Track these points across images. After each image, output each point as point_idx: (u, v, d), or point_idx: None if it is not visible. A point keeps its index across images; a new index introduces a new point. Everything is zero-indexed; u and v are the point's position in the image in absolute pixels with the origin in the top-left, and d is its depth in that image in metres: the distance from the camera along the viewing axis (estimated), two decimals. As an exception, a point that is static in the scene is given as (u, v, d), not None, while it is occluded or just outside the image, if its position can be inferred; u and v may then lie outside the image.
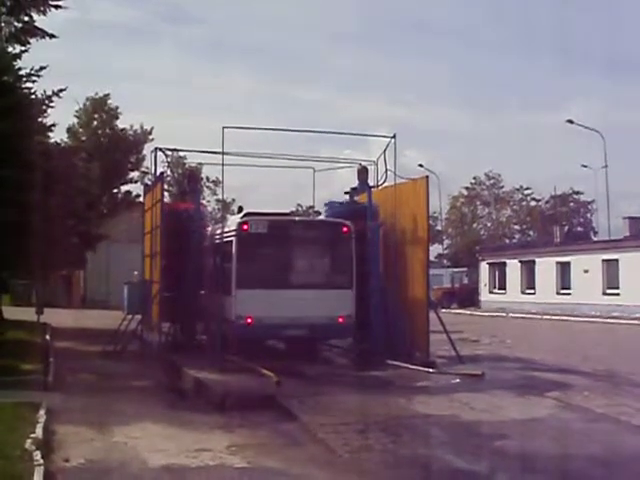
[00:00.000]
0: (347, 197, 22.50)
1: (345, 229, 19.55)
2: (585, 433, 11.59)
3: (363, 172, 21.41)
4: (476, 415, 12.71)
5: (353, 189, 22.09)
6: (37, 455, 8.59)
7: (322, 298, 18.80)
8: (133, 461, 9.36)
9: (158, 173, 22.66)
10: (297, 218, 24.33)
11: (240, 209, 23.03)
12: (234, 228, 19.30)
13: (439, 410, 13.15)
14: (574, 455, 10.03)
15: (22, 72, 18.81)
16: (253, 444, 10.57)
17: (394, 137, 20.08)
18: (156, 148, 22.23)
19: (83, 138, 59.49)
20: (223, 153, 19.13)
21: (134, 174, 64.83)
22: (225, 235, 20.31)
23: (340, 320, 18.86)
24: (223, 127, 18.90)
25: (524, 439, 11.04)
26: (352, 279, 19.28)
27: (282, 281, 18.85)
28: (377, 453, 10.14)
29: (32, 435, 9.56)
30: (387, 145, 20.28)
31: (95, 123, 61.88)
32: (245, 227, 18.89)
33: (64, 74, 19.98)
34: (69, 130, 58.35)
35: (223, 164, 19.47)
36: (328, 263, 20.28)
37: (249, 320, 18.23)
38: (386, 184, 20.88)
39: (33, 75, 18.68)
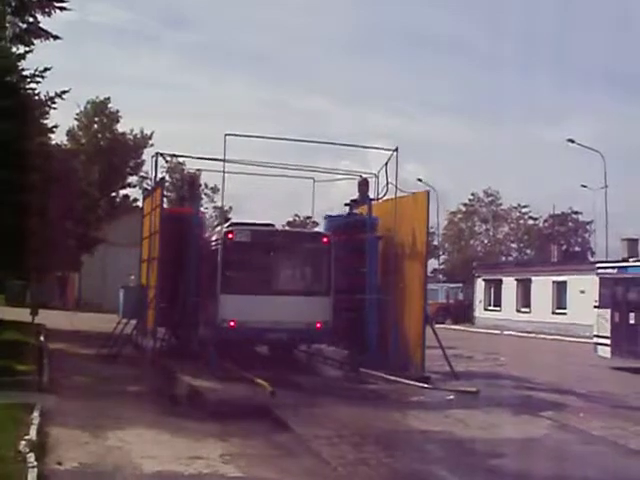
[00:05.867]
0: (347, 209, 22.53)
1: (325, 240, 20.21)
2: (582, 455, 11.51)
3: (364, 184, 21.44)
4: (471, 432, 12.65)
5: (353, 201, 22.09)
6: (31, 457, 8.52)
7: (301, 304, 19.49)
8: (127, 466, 9.29)
9: (158, 178, 22.66)
10: (279, 229, 24.94)
11: (227, 219, 23.39)
12: (220, 237, 20.03)
13: (434, 426, 13.10)
14: (571, 477, 9.98)
15: (26, 73, 18.77)
16: (247, 453, 10.52)
17: (396, 150, 20.14)
18: (157, 153, 22.25)
19: (83, 141, 59.48)
20: (225, 160, 19.27)
21: (133, 178, 64.96)
22: (213, 243, 20.99)
23: (318, 326, 19.44)
24: (225, 134, 19.02)
25: (520, 459, 10.95)
26: (330, 287, 19.84)
27: (264, 287, 19.47)
28: (372, 467, 10.06)
29: (26, 437, 9.49)
30: (389, 158, 20.34)
31: (95, 126, 61.91)
32: (230, 236, 19.63)
33: (64, 76, 19.88)
34: (69, 133, 58.35)
35: (224, 171, 19.61)
36: (308, 271, 21.10)
37: (232, 324, 18.83)
38: (386, 197, 20.93)
39: (37, 76, 18.61)
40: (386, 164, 20.46)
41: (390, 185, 20.47)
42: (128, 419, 12.15)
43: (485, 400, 15.97)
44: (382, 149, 21.07)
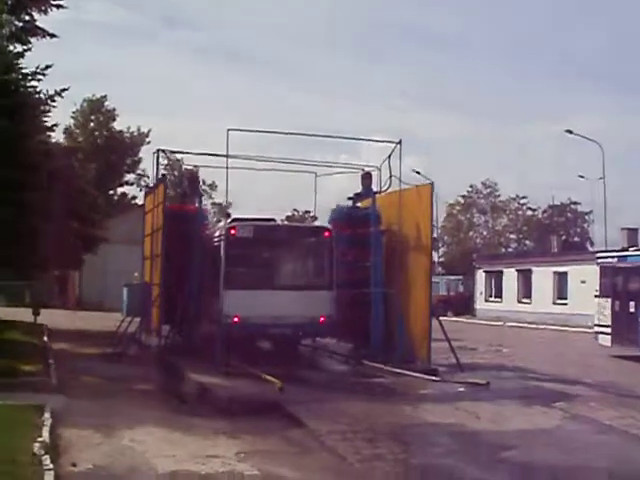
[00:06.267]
0: (350, 203, 22.45)
1: (326, 234, 20.31)
2: (595, 445, 11.45)
3: (367, 178, 21.36)
4: (484, 425, 12.59)
5: (357, 195, 22.00)
6: (46, 460, 8.40)
7: (304, 299, 19.51)
8: (142, 466, 9.18)
9: (160, 175, 22.53)
10: (281, 224, 25.12)
11: (228, 215, 23.39)
12: (223, 233, 20.12)
13: (446, 419, 13.07)
14: (587, 468, 9.91)
15: (26, 71, 18.56)
16: (261, 451, 10.42)
17: (400, 143, 20.00)
18: (158, 150, 22.12)
19: (80, 139, 59.34)
20: (227, 156, 19.20)
21: (130, 176, 64.85)
22: (215, 239, 21.09)
23: (321, 320, 19.51)
24: (228, 129, 19.00)
25: (534, 450, 10.88)
26: (333, 281, 19.90)
27: (267, 282, 19.63)
28: (389, 462, 9.96)
29: (39, 439, 9.36)
30: (392, 151, 20.25)
31: (92, 124, 61.79)
32: (233, 232, 19.71)
33: (60, 74, 19.60)
34: (66, 131, 58.23)
35: (227, 167, 19.55)
36: (310, 266, 21.18)
37: (236, 319, 18.88)
38: (389, 190, 20.83)
39: (38, 74, 18.40)
40: (389, 157, 20.39)
41: (392, 178, 20.45)
42: (139, 418, 12.02)
43: (495, 392, 15.95)
44: (384, 142, 20.99)
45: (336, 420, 12.42)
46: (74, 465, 8.93)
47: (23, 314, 28.33)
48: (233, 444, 10.72)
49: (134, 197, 64.15)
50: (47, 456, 8.56)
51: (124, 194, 64.99)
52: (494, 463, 10.07)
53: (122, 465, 9.19)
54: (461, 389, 16.26)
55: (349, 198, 22.42)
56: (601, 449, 11.25)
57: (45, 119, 21.00)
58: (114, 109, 62.21)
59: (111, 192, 62.48)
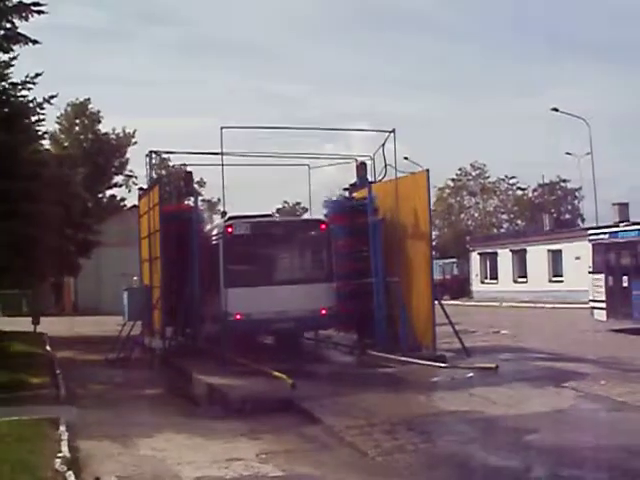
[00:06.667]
0: (346, 193, 22.39)
1: (322, 226, 20.30)
2: (613, 423, 11.52)
3: (362, 168, 21.28)
4: (500, 409, 12.51)
5: (352, 185, 21.96)
6: (70, 476, 8.29)
7: (305, 292, 19.48)
8: (166, 475, 9.09)
9: (154, 176, 22.40)
10: (277, 219, 25.10)
11: (224, 213, 23.35)
12: (220, 231, 20.14)
13: (461, 406, 12.98)
14: (609, 446, 9.86)
15: (15, 80, 18.39)
16: (282, 450, 10.35)
17: (393, 131, 19.95)
18: (151, 151, 21.97)
19: (65, 144, 58.92)
20: (222, 154, 19.14)
21: (118, 178, 64.55)
22: (213, 238, 21.07)
23: (323, 312, 19.47)
24: (222, 127, 18.93)
25: (554, 432, 10.85)
26: (332, 273, 19.90)
27: (267, 278, 19.62)
28: (410, 454, 9.91)
29: (60, 454, 9.25)
30: (385, 139, 20.21)
31: (77, 128, 61.38)
32: (230, 230, 19.62)
33: (44, 80, 19.31)
34: (51, 137, 57.74)
35: (223, 164, 19.51)
36: (308, 259, 21.23)
37: (238, 316, 18.77)
38: (385, 179, 20.79)
39: (28, 83, 18.22)
40: (382, 145, 20.33)
41: (389, 167, 20.42)
42: (154, 425, 11.96)
43: (504, 375, 15.90)
44: (378, 131, 20.89)
45: (351, 414, 12.29)
46: (98, 479, 8.82)
47: (22, 323, 28.18)
48: (253, 445, 10.67)
49: (123, 199, 64.01)
50: (70, 472, 8.45)
51: (113, 196, 64.68)
52: (519, 448, 10.00)
53: (145, 475, 9.10)
54: (471, 374, 16.13)
55: (345, 189, 22.38)
56: (621, 426, 11.28)
57: (38, 128, 20.82)
58: (99, 111, 61.88)
59: (100, 195, 62.15)
